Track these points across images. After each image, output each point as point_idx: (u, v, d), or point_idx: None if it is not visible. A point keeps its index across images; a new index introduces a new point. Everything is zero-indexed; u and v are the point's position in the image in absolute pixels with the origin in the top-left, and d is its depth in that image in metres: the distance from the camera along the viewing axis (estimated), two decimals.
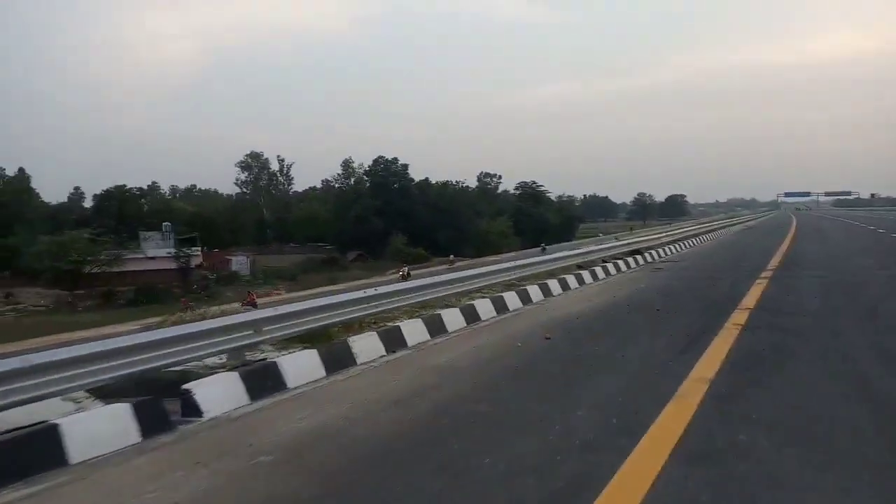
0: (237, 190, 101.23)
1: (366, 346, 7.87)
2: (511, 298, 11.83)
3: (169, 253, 65.63)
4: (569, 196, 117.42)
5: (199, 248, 71.04)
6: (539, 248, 61.54)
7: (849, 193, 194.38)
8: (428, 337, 8.91)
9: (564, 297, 13.13)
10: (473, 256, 79.85)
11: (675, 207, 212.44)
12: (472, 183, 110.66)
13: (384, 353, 7.97)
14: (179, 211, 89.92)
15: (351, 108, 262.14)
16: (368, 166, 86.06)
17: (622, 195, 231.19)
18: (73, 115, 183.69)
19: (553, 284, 13.74)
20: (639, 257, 20.08)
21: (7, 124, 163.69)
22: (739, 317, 9.47)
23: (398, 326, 8.77)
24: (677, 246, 25.33)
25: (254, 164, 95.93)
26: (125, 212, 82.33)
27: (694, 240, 29.80)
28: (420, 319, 9.24)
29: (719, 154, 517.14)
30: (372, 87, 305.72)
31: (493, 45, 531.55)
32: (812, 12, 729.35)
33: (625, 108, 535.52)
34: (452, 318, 9.85)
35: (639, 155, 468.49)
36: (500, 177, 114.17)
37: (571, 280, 14.72)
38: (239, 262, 71.45)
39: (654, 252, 21.77)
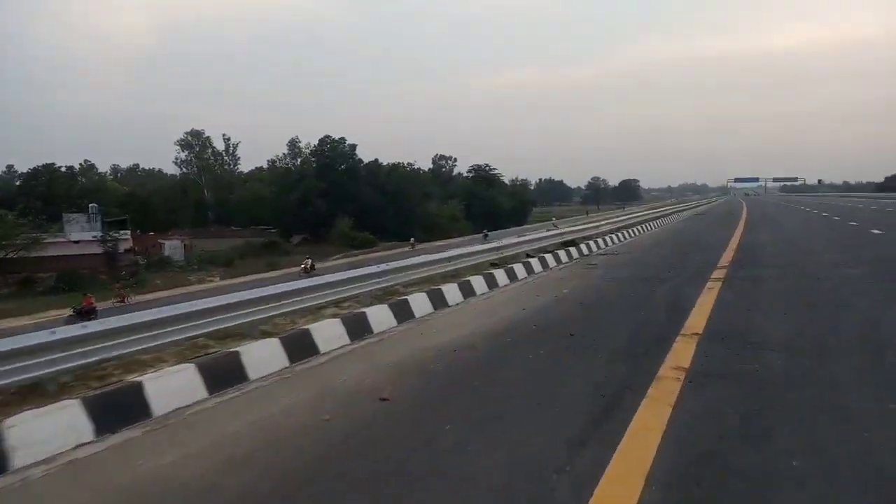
0: (178, 170, 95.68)
1: None
2: (380, 315, 8.52)
3: (95, 237, 60.54)
4: (522, 180, 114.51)
5: (129, 232, 66.04)
6: (481, 235, 58.48)
7: (795, 179, 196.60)
8: (200, 396, 5.60)
9: (458, 310, 9.90)
10: (420, 241, 76.67)
11: (628, 192, 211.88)
12: (427, 166, 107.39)
13: None
14: (114, 191, 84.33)
15: (307, 87, 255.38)
16: (314, 146, 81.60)
17: (577, 180, 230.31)
18: (16, 86, 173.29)
19: (451, 290, 10.51)
20: (573, 249, 17.01)
21: None
22: (683, 352, 6.36)
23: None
24: (621, 235, 22.49)
25: (194, 142, 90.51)
26: (54, 192, 76.62)
27: (640, 227, 27.00)
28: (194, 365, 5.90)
29: (672, 141, 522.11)
30: (331, 65, 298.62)
31: (458, 30, 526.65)
32: (767, 3, 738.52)
33: (581, 94, 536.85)
34: (261, 353, 6.51)
35: (593, 140, 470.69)
36: (454, 160, 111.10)
37: (479, 283, 11.51)
38: (172, 247, 66.76)
39: (593, 242, 18.82)
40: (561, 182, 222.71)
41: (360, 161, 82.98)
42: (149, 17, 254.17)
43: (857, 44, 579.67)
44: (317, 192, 75.12)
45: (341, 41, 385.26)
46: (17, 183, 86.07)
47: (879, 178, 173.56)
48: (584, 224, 21.00)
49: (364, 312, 8.36)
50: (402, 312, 8.95)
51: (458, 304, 10.24)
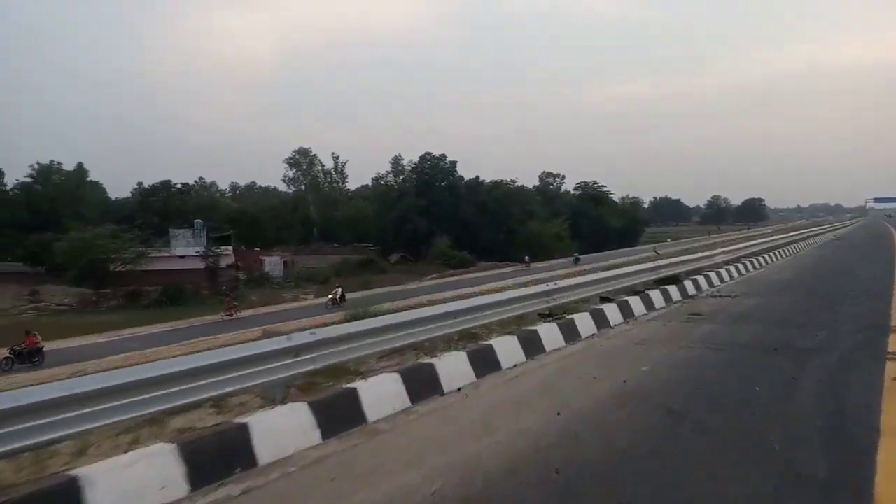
0: (290, 188, 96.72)
1: None
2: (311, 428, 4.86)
3: (198, 252, 60.87)
4: (633, 198, 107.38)
5: (231, 248, 66.24)
6: (571, 259, 53.40)
7: None
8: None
9: (451, 407, 5.91)
10: (519, 261, 72.61)
11: (752, 212, 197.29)
12: (534, 183, 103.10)
13: None
14: (225, 208, 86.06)
15: (417, 106, 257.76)
16: (415, 163, 79.47)
17: (696, 199, 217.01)
18: (146, 108, 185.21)
19: (458, 363, 6.59)
20: (674, 288, 12.55)
21: (79, 117, 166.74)
22: None
23: None
24: (741, 266, 17.59)
25: (302, 160, 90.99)
26: (170, 208, 78.91)
27: (767, 256, 21.66)
28: None
29: (801, 156, 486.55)
30: (441, 84, 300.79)
31: (566, 44, 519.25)
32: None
33: (700, 107, 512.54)
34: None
35: (714, 157, 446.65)
36: (563, 177, 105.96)
37: (512, 347, 7.48)
38: (272, 264, 66.29)
39: (703, 277, 14.23)
40: (678, 201, 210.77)
41: (462, 178, 79.97)
42: (266, 42, 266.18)
43: None
44: (416, 209, 72.71)
45: (453, 59, 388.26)
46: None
47: None
48: (693, 254, 16.22)
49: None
50: (346, 417, 5.18)
51: (463, 388, 6.29)
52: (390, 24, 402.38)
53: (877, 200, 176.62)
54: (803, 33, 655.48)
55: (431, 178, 76.09)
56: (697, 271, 14.44)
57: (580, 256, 52.87)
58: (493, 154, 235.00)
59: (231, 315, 36.64)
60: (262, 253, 72.92)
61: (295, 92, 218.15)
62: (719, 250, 15.89)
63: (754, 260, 19.43)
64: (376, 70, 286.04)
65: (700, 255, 15.06)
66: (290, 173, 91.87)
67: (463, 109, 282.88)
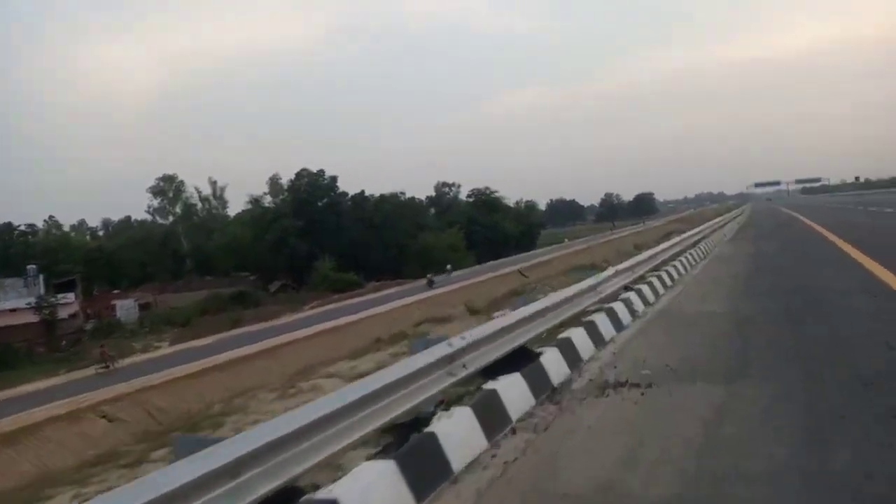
0: (157, 219, 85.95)
1: None
2: None
3: (29, 304, 50.30)
4: (528, 201, 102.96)
5: (74, 293, 55.87)
6: (425, 281, 45.25)
7: (817, 180, 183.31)
8: None
9: None
10: (412, 277, 65.90)
11: (643, 205, 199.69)
12: (428, 194, 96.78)
13: None
14: (79, 247, 74.83)
15: (306, 126, 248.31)
16: (290, 181, 71.23)
17: (590, 198, 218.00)
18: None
19: None
20: (524, 377, 5.74)
21: None
22: None
23: None
24: (648, 288, 10.89)
25: (167, 188, 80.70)
26: (10, 254, 67.28)
27: (680, 264, 14.93)
28: None
29: (685, 150, 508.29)
30: (338, 104, 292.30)
31: (457, 55, 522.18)
32: (772, 4, 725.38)
33: (588, 111, 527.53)
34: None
35: (605, 157, 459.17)
36: (458, 186, 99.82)
37: None
38: (125, 308, 56.26)
39: (587, 328, 7.46)
40: (573, 201, 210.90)
41: (345, 194, 72.44)
42: (148, 71, 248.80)
43: (873, 42, 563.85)
44: (294, 231, 64.60)
45: (342, 76, 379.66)
46: None
47: None
48: (577, 286, 8.74)
49: None
50: None
51: None
52: (283, 45, 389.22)
53: (757, 185, 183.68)
54: (684, 37, 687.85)
55: (310, 197, 68.12)
56: (577, 318, 7.66)
57: (435, 278, 45.59)
58: (392, 170, 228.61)
59: (107, 367, 30.58)
60: (120, 295, 62.72)
61: (179, 119, 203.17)
62: (611, 271, 9.08)
63: (664, 272, 13.09)
64: (268, 91, 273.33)
65: (584, 285, 8.00)
66: (156, 203, 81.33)
67: (360, 128, 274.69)
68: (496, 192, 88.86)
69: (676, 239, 17.51)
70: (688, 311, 9.50)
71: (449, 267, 57.13)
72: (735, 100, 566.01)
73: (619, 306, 8.64)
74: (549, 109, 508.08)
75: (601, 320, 7.75)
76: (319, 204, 68.62)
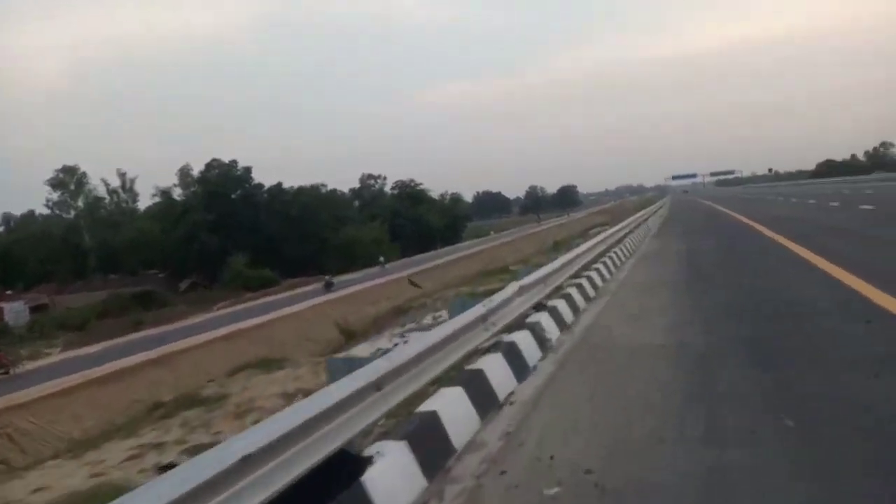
0: (59, 213, 79.07)
1: None
2: None
3: None
4: (453, 194, 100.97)
5: None
6: (323, 283, 42.16)
7: (731, 173, 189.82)
8: None
9: None
10: (337, 272, 62.80)
11: (567, 198, 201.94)
12: (354, 186, 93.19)
13: None
14: None
15: (224, 116, 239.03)
16: (200, 172, 66.51)
17: (516, 190, 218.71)
18: None
19: None
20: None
21: None
22: None
23: None
24: (565, 304, 8.65)
25: (68, 180, 74.17)
26: None
27: (603, 268, 12.87)
28: None
29: (607, 144, 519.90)
30: (264, 94, 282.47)
31: (390, 49, 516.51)
32: (692, 4, 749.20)
33: (515, 104, 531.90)
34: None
35: (530, 149, 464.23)
36: (384, 178, 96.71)
37: None
38: (13, 311, 50.72)
39: (475, 390, 5.12)
40: (499, 193, 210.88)
41: (261, 186, 68.31)
42: (56, 60, 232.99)
43: (781, 42, 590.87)
44: (204, 225, 60.19)
45: (273, 68, 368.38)
46: None
47: (810, 167, 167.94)
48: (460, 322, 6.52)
49: None
50: None
51: None
52: (205, 32, 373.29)
53: (674, 178, 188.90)
54: (608, 32, 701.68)
55: (222, 189, 63.70)
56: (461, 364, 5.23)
57: (333, 280, 42.92)
58: (316, 163, 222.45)
59: (6, 372, 27.88)
60: (12, 297, 56.82)
61: (85, 108, 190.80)
62: (514, 288, 6.43)
63: (586, 278, 10.89)
64: (187, 80, 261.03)
65: (471, 316, 5.44)
66: (55, 196, 74.67)
67: (281, 119, 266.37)
68: (421, 184, 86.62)
69: (601, 236, 15.50)
70: (618, 340, 7.04)
71: (382, 259, 55.07)
72: (653, 95, 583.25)
73: (523, 338, 6.25)
74: (476, 102, 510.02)
75: (494, 366, 5.32)
76: (233, 196, 64.32)
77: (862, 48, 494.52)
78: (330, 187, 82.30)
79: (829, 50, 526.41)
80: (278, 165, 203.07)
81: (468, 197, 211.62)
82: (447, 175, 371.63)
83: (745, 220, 25.94)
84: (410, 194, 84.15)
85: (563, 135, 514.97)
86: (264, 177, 70.81)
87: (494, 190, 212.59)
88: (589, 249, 12.07)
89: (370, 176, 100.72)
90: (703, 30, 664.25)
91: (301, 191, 68.87)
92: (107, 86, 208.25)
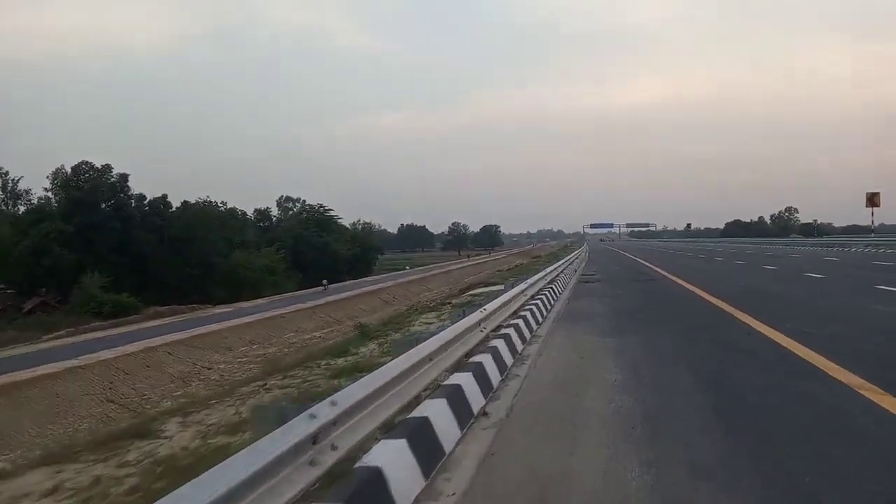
0: None
1: None
2: None
3: None
4: (366, 223, 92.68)
5: None
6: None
7: (646, 225, 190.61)
8: None
9: None
10: (225, 301, 53.20)
11: (489, 237, 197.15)
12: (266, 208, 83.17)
13: None
14: None
15: (143, 131, 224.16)
16: (66, 176, 55.69)
17: (439, 225, 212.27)
18: None
19: None
20: None
21: None
22: None
23: None
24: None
25: None
26: None
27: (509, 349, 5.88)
28: None
29: (531, 188, 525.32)
30: (186, 111, 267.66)
31: (320, 74, 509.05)
32: (623, 60, 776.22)
33: (442, 141, 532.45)
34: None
35: (456, 185, 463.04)
36: (303, 202, 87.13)
37: None
38: None
39: None
40: (423, 227, 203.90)
41: (143, 197, 58.08)
42: None
43: (696, 103, 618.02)
44: (59, 237, 49.47)
45: (202, 86, 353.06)
46: None
47: (720, 225, 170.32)
48: None
49: None
50: None
51: None
52: (133, 48, 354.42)
53: (592, 226, 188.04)
54: (538, 79, 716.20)
55: (89, 197, 53.14)
56: None
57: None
58: (232, 183, 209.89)
59: None
60: None
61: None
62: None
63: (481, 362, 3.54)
64: (108, 92, 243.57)
65: None
66: None
67: (212, 138, 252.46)
68: (330, 210, 77.85)
69: (512, 291, 8.37)
70: None
71: (325, 282, 50.73)
72: (576, 144, 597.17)
73: None
74: (407, 135, 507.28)
75: None
76: (104, 206, 53.84)
77: (778, 119, 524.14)
78: (247, 207, 72.91)
79: (741, 116, 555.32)
80: (194, 183, 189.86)
81: (393, 229, 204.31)
82: (372, 205, 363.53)
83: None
84: (318, 220, 75.31)
85: (490, 175, 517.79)
86: (173, 195, 60.61)
87: (419, 224, 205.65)
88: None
89: (287, 198, 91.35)
90: (630, 85, 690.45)
91: (186, 206, 58.96)
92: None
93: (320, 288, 49.85)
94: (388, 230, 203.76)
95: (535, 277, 14.35)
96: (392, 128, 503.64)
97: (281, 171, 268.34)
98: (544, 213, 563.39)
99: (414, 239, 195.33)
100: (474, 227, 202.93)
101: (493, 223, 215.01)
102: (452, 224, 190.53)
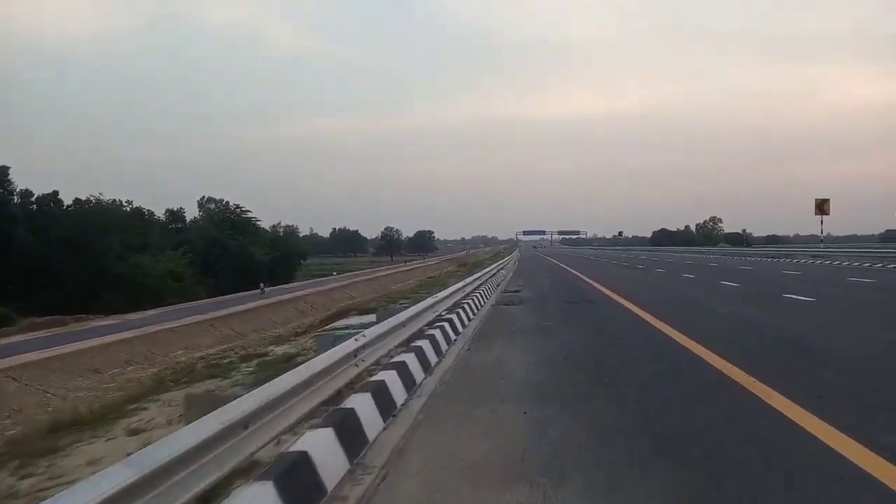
0: None
1: None
2: None
3: None
4: (289, 226, 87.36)
5: None
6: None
7: (577, 233, 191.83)
8: None
9: None
10: (123, 310, 47.35)
11: (423, 243, 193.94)
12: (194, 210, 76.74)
13: None
14: None
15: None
16: None
17: (372, 230, 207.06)
18: None
19: None
20: None
21: None
22: None
23: None
24: None
25: None
26: None
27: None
28: None
29: (465, 194, 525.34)
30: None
31: (257, 78, 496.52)
32: (550, 73, 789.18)
33: (377, 146, 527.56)
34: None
35: (390, 191, 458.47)
36: (226, 202, 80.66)
37: None
38: None
39: None
40: (356, 232, 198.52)
41: (30, 193, 51.55)
42: None
43: (627, 117, 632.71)
44: None
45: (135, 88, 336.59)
46: None
47: (648, 233, 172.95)
48: None
49: None
50: None
51: None
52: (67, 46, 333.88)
53: (525, 233, 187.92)
54: (477, 89, 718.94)
55: None
56: None
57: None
58: (159, 184, 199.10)
59: None
60: None
61: None
62: None
63: None
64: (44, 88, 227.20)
65: None
66: None
67: (135, 136, 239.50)
68: (248, 211, 72.43)
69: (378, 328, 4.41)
70: None
71: (262, 285, 48.22)
72: (511, 152, 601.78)
73: None
74: (341, 139, 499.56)
75: None
76: None
77: (704, 133, 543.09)
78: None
79: (669, 130, 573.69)
80: (110, 183, 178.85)
81: (325, 233, 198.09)
82: (306, 209, 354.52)
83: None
84: (235, 222, 69.77)
85: (426, 182, 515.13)
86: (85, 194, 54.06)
87: (353, 228, 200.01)
88: None
89: (210, 199, 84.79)
90: (566, 97, 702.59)
91: (79, 204, 52.70)
92: None
93: (257, 291, 46.40)
94: (321, 234, 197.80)
95: (430, 301, 10.70)
96: (329, 132, 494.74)
97: (209, 174, 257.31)
98: (479, 219, 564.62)
99: (346, 244, 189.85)
100: (409, 233, 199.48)
101: (427, 229, 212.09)
102: (385, 229, 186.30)
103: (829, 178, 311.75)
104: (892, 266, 30.68)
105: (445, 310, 11.46)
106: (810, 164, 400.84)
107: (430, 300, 10.52)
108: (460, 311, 12.52)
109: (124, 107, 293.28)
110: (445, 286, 14.44)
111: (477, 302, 14.84)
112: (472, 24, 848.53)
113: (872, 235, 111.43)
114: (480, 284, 18.08)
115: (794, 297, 15.89)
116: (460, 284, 14.32)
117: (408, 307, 9.61)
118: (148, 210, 67.25)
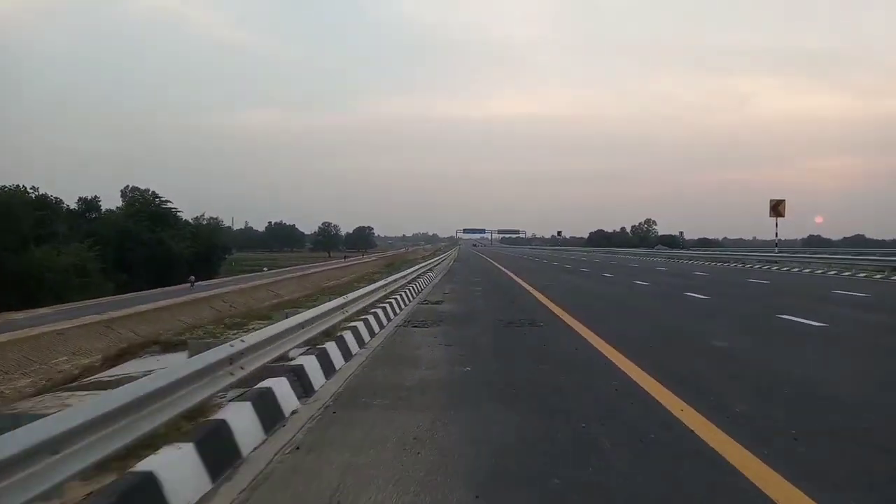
0: None
1: None
2: None
3: None
4: (212, 218, 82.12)
5: None
6: None
7: (517, 232, 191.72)
8: None
9: None
10: (15, 309, 41.97)
11: (362, 239, 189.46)
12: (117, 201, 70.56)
13: None
14: None
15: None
16: None
17: (309, 225, 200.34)
18: None
19: None
20: None
21: None
22: None
23: None
24: None
25: None
26: None
27: None
28: None
29: (406, 192, 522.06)
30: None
31: (192, 68, 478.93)
32: (487, 75, 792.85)
33: (315, 141, 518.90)
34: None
35: (330, 187, 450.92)
36: (152, 192, 74.18)
37: None
38: None
39: None
40: (293, 227, 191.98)
41: None
42: None
43: (562, 119, 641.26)
44: None
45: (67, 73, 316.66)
46: None
47: (585, 234, 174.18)
48: None
49: None
50: None
51: None
52: None
53: (465, 231, 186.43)
54: (415, 87, 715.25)
55: None
56: None
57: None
58: (79, 175, 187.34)
59: None
60: None
61: None
62: None
63: None
64: None
65: None
66: None
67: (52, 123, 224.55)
68: (168, 202, 67.21)
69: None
70: None
71: (192, 278, 46.26)
72: (452, 151, 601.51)
73: None
74: (282, 133, 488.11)
75: None
76: None
77: (641, 137, 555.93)
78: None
79: (604, 133, 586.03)
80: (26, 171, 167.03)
81: (260, 227, 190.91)
82: (241, 203, 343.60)
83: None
84: (152, 214, 64.47)
85: (366, 178, 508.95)
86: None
87: (290, 223, 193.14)
88: None
89: (134, 189, 78.17)
90: (504, 98, 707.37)
91: None
92: None
93: (187, 285, 42.65)
94: (255, 228, 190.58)
95: (313, 313, 7.61)
96: (270, 125, 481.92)
97: (138, 163, 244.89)
98: (420, 216, 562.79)
99: (282, 238, 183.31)
100: (348, 229, 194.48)
101: (367, 225, 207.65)
102: (323, 224, 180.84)
103: (765, 183, 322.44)
104: (807, 271, 32.16)
105: (304, 343, 7.17)
106: (741, 170, 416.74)
107: (274, 328, 6.27)
108: (333, 343, 7.93)
109: (58, 91, 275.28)
110: (356, 289, 11.47)
111: (376, 320, 11.42)
112: (413, 23, 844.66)
113: (796, 240, 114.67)
114: (395, 290, 15.12)
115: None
116: (361, 292, 11.28)
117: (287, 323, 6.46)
118: (55, 198, 61.33)
